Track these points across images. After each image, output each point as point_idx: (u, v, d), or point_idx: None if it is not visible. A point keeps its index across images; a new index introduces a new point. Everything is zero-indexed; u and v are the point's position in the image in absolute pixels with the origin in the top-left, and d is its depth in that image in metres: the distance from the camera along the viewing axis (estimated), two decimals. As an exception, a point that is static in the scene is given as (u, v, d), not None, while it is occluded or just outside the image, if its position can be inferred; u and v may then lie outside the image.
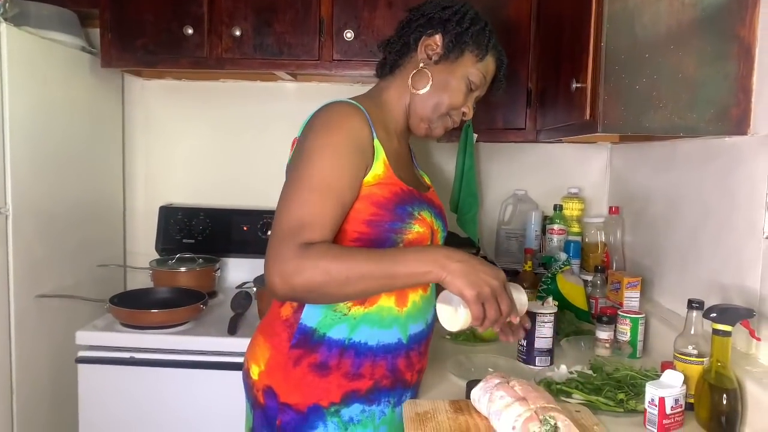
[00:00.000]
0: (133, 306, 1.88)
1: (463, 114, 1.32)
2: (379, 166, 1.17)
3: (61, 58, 2.02)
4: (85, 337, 1.82)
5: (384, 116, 1.28)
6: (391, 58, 1.32)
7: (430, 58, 1.27)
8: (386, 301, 1.19)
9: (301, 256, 1.03)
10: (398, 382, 1.24)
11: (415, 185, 1.28)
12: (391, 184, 1.18)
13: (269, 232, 1.09)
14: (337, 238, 1.14)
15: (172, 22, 2.04)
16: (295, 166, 1.14)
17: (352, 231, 1.15)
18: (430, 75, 1.26)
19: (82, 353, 1.81)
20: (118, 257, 2.43)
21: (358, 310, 1.18)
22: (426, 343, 1.30)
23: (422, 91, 1.27)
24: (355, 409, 1.20)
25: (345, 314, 1.18)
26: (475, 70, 1.28)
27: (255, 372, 1.25)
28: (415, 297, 1.23)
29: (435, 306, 1.14)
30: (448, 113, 1.30)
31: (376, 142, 1.18)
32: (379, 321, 1.19)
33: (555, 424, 1.00)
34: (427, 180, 1.43)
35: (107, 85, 2.32)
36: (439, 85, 1.27)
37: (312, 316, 1.19)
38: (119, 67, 2.13)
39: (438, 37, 1.26)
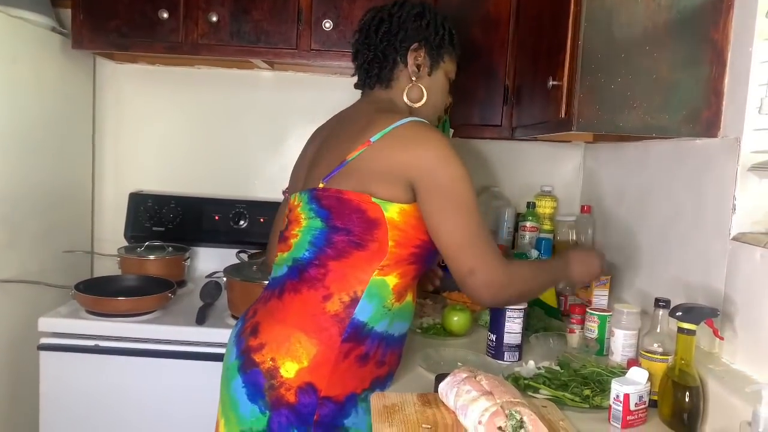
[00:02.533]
0: (99, 293, 1.85)
1: (449, 104, 1.51)
2: None
3: (29, 37, 1.96)
4: (48, 323, 1.78)
5: None
6: (385, 75, 1.39)
7: (420, 70, 1.39)
8: (410, 297, 1.31)
9: (510, 271, 1.26)
10: (398, 367, 1.38)
11: None
12: None
13: (465, 266, 1.23)
14: (401, 243, 1.23)
15: (146, 5, 2.00)
16: (451, 198, 1.21)
17: (416, 238, 1.25)
18: (423, 88, 1.39)
19: (44, 340, 1.77)
20: (85, 244, 2.38)
21: (396, 306, 1.27)
22: None
23: (420, 104, 1.39)
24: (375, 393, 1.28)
25: (389, 310, 1.26)
26: (451, 66, 1.46)
27: (291, 370, 1.20)
28: (418, 290, 1.37)
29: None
30: (439, 113, 1.49)
31: None
32: (405, 315, 1.32)
33: (521, 418, 1.00)
34: None
35: (78, 67, 2.26)
36: (433, 91, 1.41)
37: (365, 312, 1.24)
38: (91, 49, 2.09)
39: (422, 50, 1.38)
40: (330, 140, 1.35)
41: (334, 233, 1.23)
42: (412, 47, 1.37)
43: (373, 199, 1.20)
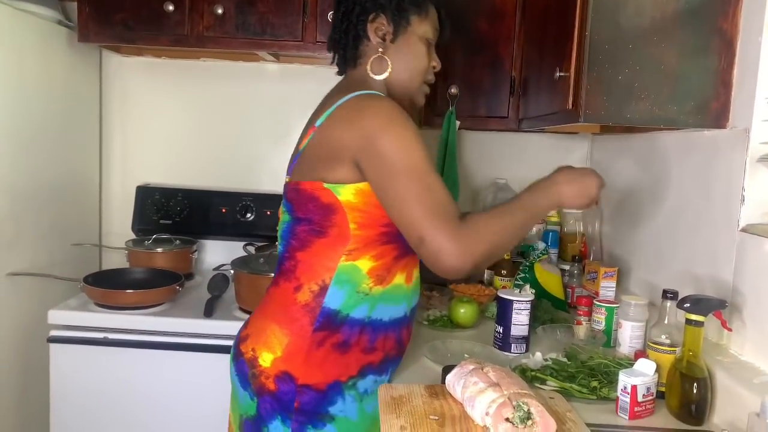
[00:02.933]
0: (107, 286, 1.86)
1: (434, 68, 1.37)
2: None
3: (36, 30, 1.97)
4: (57, 316, 1.79)
5: None
6: (350, 54, 1.33)
7: (384, 40, 1.30)
8: (399, 279, 1.26)
9: (469, 228, 1.11)
10: (401, 351, 1.34)
11: None
12: None
13: (414, 236, 1.13)
14: (368, 223, 1.19)
15: (152, -2, 2.00)
16: (394, 166, 1.13)
17: (385, 216, 1.18)
18: (387, 58, 1.29)
19: (54, 332, 1.78)
20: (93, 237, 2.39)
21: (377, 290, 1.24)
22: (415, 313, 1.38)
23: (383, 76, 1.30)
24: (368, 381, 1.26)
25: (367, 294, 1.23)
26: (425, 27, 1.33)
27: (267, 359, 1.24)
28: (416, 272, 1.31)
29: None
30: (424, 79, 1.35)
31: None
32: (394, 298, 1.27)
33: (528, 410, 1.00)
34: None
35: (84, 60, 2.26)
36: (404, 59, 1.31)
37: (335, 299, 1.22)
38: (97, 42, 2.09)
39: (381, 18, 1.29)
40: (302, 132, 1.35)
41: (297, 224, 1.25)
42: (369, 18, 1.29)
43: (325, 185, 1.19)
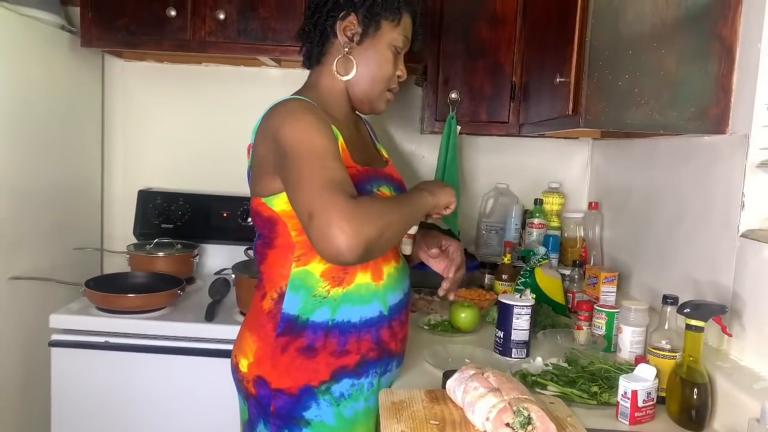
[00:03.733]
0: (109, 290, 1.86)
1: (399, 77, 1.34)
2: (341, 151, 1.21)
3: (39, 36, 1.98)
4: (59, 320, 1.80)
5: (327, 105, 1.29)
6: (316, 50, 1.33)
7: (352, 40, 1.28)
8: (363, 278, 1.23)
9: (358, 207, 1.02)
10: (384, 352, 1.29)
11: (373, 163, 1.34)
12: (348, 167, 1.19)
13: (305, 213, 1.06)
14: None
15: (154, 3, 2.00)
16: (290, 153, 1.12)
17: None
18: (353, 59, 1.28)
19: (55, 337, 1.78)
20: (95, 241, 2.40)
21: (337, 292, 1.22)
22: (406, 312, 1.35)
23: (349, 76, 1.29)
24: (344, 385, 1.24)
25: (324, 297, 1.21)
26: (395, 34, 1.29)
27: (244, 365, 1.28)
28: (389, 269, 1.27)
29: (409, 273, 1.34)
30: (386, 87, 1.32)
31: (333, 128, 1.21)
32: (359, 298, 1.23)
33: (528, 415, 1.00)
34: (385, 154, 1.46)
35: (87, 65, 2.27)
36: (368, 63, 1.29)
37: (293, 305, 1.23)
38: (99, 47, 2.09)
39: (352, 17, 1.27)
40: None
41: (257, 240, 1.31)
42: (340, 16, 1.26)
43: (262, 200, 1.23)
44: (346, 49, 1.28)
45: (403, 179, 1.43)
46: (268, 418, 1.24)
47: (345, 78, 1.29)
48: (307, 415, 1.23)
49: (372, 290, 1.24)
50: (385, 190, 1.27)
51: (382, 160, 1.43)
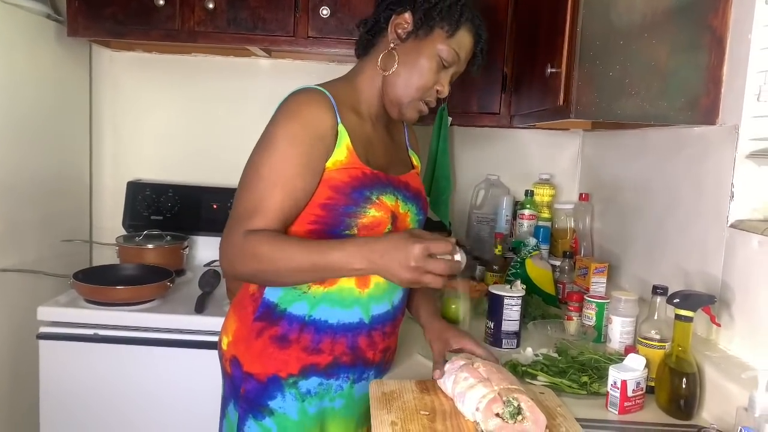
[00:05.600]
0: (97, 282, 1.85)
1: (438, 92, 1.28)
2: (341, 152, 1.18)
3: (24, 24, 1.95)
4: (47, 312, 1.78)
5: (356, 99, 1.28)
6: (365, 38, 1.31)
7: (400, 37, 1.25)
8: (347, 282, 1.20)
9: (243, 244, 1.11)
10: (359, 359, 1.25)
11: (389, 168, 1.28)
12: (351, 168, 1.18)
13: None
14: (296, 221, 1.19)
15: (142, -8, 1.98)
16: (252, 154, 1.18)
17: (309, 214, 1.19)
18: (396, 56, 1.25)
19: (43, 329, 1.77)
20: (83, 233, 2.38)
21: (317, 290, 1.21)
22: (392, 324, 1.30)
23: (389, 72, 1.25)
24: (312, 382, 1.23)
25: (305, 292, 1.21)
26: (445, 46, 1.24)
27: (225, 343, 1.30)
28: (378, 279, 1.21)
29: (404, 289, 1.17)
30: (420, 96, 1.26)
31: (341, 127, 1.18)
32: (340, 301, 1.21)
33: (518, 405, 1.01)
34: (415, 161, 1.43)
35: (74, 55, 2.25)
36: (408, 65, 1.24)
37: (274, 292, 1.23)
38: (86, 36, 2.07)
39: (408, 15, 1.23)
40: None
41: None
42: (397, 11, 1.24)
43: None
44: (392, 45, 1.25)
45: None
46: (238, 399, 1.25)
47: (386, 73, 1.25)
48: (272, 404, 1.23)
49: (355, 296, 1.21)
50: (387, 199, 1.21)
51: (406, 166, 1.38)
